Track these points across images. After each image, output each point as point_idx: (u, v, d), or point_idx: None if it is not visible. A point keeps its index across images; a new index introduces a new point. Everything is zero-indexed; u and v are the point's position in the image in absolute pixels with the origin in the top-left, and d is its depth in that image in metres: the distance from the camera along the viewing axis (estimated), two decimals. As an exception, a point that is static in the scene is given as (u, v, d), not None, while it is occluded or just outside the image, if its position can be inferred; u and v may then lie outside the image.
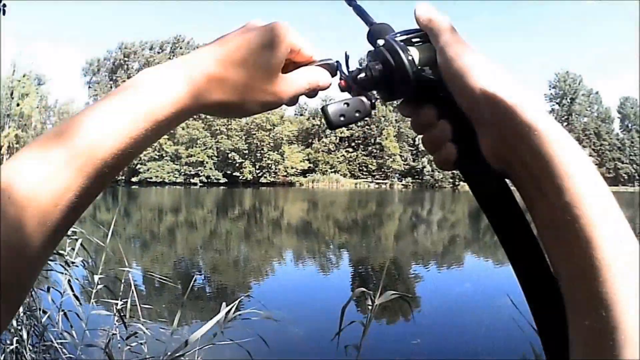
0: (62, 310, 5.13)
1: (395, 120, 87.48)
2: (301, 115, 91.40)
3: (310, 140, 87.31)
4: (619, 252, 0.58)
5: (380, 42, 0.82)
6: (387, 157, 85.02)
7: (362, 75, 0.81)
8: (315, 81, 0.83)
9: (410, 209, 51.85)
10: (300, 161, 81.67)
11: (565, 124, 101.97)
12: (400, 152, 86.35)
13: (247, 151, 75.78)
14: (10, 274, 0.58)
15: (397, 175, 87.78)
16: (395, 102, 0.85)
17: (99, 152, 0.64)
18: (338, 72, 0.84)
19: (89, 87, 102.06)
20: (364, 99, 0.81)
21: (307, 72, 0.83)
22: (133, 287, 5.33)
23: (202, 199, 53.74)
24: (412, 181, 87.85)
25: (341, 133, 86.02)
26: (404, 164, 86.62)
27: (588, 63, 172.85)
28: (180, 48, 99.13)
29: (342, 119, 0.80)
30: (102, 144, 0.64)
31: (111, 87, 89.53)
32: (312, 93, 0.84)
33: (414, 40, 0.80)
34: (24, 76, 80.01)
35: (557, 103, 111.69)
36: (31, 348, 4.99)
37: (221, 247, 24.23)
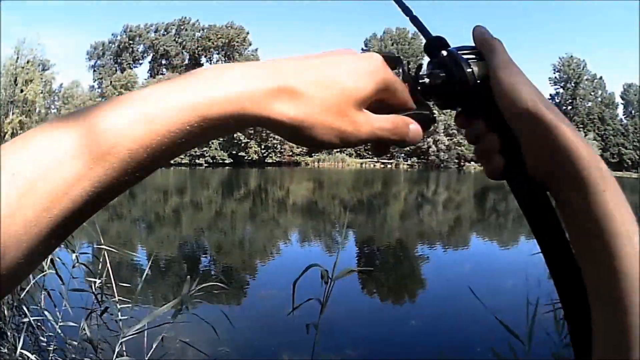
0: (45, 290, 5.15)
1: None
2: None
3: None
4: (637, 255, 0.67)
5: (444, 53, 0.84)
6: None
7: (426, 81, 0.82)
8: (404, 132, 0.73)
9: (415, 188, 51.79)
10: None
11: (569, 107, 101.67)
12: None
13: (252, 131, 75.27)
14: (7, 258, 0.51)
15: (403, 155, 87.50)
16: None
17: (125, 141, 0.55)
18: (401, 73, 0.78)
19: (94, 70, 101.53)
20: (427, 112, 0.79)
21: (397, 118, 0.72)
22: (108, 266, 5.30)
23: (208, 179, 53.63)
24: (418, 161, 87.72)
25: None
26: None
27: (592, 49, 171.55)
28: (186, 30, 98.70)
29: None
30: (129, 132, 0.55)
31: (116, 71, 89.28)
32: (396, 141, 0.73)
33: (470, 56, 0.84)
34: (27, 62, 79.47)
35: (561, 87, 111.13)
36: (14, 327, 5.05)
37: (226, 228, 24.19)
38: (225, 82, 0.60)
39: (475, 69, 0.82)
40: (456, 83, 0.81)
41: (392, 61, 0.76)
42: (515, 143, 0.79)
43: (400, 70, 0.79)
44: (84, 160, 0.53)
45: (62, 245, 5.25)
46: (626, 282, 0.66)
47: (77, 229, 0.59)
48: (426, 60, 0.89)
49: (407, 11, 0.93)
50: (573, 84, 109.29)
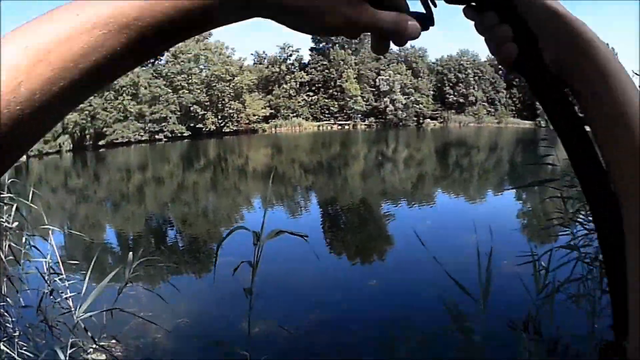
0: (7, 276, 5.03)
1: (355, 63, 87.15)
2: (260, 64, 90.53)
3: (270, 87, 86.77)
4: None
5: None
6: (348, 99, 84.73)
7: None
8: (403, 26, 0.73)
9: (375, 148, 51.93)
10: (262, 108, 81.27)
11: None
12: (362, 94, 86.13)
13: (208, 103, 75.09)
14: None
15: (360, 115, 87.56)
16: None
17: (147, 13, 0.54)
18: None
19: None
20: (426, 13, 0.79)
21: (397, 14, 0.73)
22: (53, 245, 5.21)
23: (168, 153, 53.56)
24: (375, 121, 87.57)
25: (301, 78, 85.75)
26: (365, 105, 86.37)
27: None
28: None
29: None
30: (151, 5, 0.54)
31: None
32: (396, 37, 0.73)
33: None
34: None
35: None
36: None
37: (190, 200, 24.25)
38: None
39: None
40: None
41: (422, 19, 0.76)
42: (531, 34, 0.80)
43: None
44: (99, 32, 0.53)
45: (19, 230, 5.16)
46: None
47: (82, 102, 0.60)
48: None
49: None
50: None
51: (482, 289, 4.24)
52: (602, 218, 0.74)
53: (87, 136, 64.96)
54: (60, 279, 4.98)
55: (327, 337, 8.32)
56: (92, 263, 4.97)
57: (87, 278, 4.51)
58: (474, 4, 0.85)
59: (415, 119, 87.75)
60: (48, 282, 4.91)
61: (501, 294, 4.43)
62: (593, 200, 0.76)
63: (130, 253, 4.60)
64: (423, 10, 0.79)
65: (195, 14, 0.58)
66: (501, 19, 0.82)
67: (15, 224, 5.20)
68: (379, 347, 6.88)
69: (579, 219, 5.92)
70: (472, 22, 0.87)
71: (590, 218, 6.32)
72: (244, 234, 3.59)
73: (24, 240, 5.20)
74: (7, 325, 4.96)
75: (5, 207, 5.23)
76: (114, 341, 6.88)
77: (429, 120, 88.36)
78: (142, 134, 69.71)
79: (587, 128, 0.78)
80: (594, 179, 0.76)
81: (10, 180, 5.46)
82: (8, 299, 4.98)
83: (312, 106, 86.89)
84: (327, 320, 8.91)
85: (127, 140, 66.89)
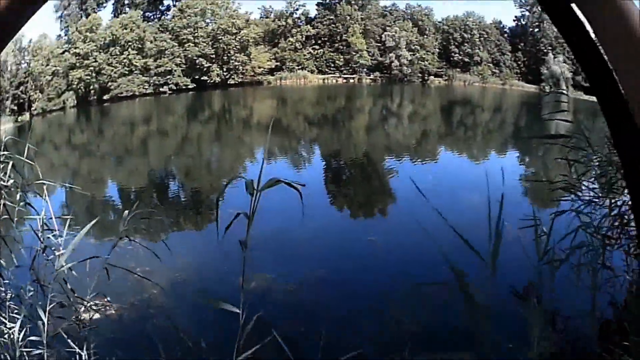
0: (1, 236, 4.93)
1: (361, 18, 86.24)
2: (267, 17, 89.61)
3: (276, 41, 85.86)
4: None
5: None
6: (353, 53, 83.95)
7: None
8: None
9: (380, 102, 51.62)
10: (267, 60, 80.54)
11: (537, 30, 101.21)
12: (367, 49, 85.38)
13: (214, 55, 74.46)
14: None
15: (365, 70, 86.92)
16: None
17: None
18: None
19: (61, 20, 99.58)
20: None
21: None
22: (47, 201, 5.11)
23: (172, 106, 53.30)
24: (381, 75, 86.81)
25: (307, 32, 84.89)
26: (371, 59, 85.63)
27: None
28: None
29: None
30: None
31: (81, 17, 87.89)
32: None
33: None
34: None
35: (527, 10, 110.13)
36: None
37: (193, 152, 24.12)
38: None
39: None
40: None
41: None
42: None
43: None
44: None
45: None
46: None
47: None
48: None
49: None
50: (539, 7, 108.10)
51: (492, 248, 4.10)
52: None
53: (92, 91, 64.37)
54: (54, 236, 4.90)
55: (322, 292, 8.33)
56: (87, 219, 4.92)
57: (81, 233, 4.40)
58: None
59: (420, 75, 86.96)
60: (41, 239, 4.83)
61: (502, 258, 4.38)
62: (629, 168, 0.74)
63: (126, 211, 4.56)
64: None
65: None
66: None
67: (11, 181, 5.09)
68: (374, 303, 6.87)
69: (584, 184, 5.88)
70: None
71: (596, 184, 6.32)
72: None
73: (17, 197, 5.07)
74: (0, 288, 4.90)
75: (1, 166, 5.11)
76: (108, 299, 6.86)
77: (433, 77, 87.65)
78: (146, 87, 69.21)
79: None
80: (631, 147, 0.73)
81: (7, 138, 5.36)
82: (1, 261, 4.90)
83: (318, 59, 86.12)
84: (324, 276, 8.93)
85: (131, 93, 66.41)
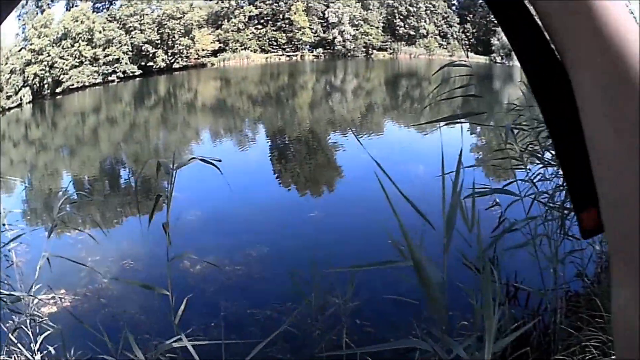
0: None
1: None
2: (211, 0, 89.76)
3: (220, 22, 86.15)
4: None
5: None
6: (296, 31, 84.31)
7: None
8: None
9: (323, 78, 51.71)
10: (211, 42, 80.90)
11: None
12: (310, 26, 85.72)
13: (159, 41, 74.54)
14: None
15: (308, 47, 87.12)
16: None
17: None
18: None
19: (19, 19, 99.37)
20: None
21: None
22: None
23: (120, 93, 53.51)
24: (324, 52, 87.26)
25: (250, 12, 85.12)
26: (314, 36, 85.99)
27: None
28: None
29: None
30: None
31: (37, 14, 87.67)
32: None
33: None
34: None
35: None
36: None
37: (141, 138, 24.18)
38: None
39: None
40: None
41: None
42: None
43: None
44: None
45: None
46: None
47: None
48: None
49: None
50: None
51: (446, 219, 3.98)
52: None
53: (46, 85, 63.95)
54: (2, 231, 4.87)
55: (257, 270, 8.24)
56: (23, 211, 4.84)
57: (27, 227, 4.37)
58: None
59: (364, 49, 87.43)
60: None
61: (454, 231, 4.19)
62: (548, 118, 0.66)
63: (59, 200, 4.47)
64: None
65: None
66: None
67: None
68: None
69: (536, 155, 5.73)
70: None
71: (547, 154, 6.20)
72: (203, 168, 3.43)
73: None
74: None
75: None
76: (63, 290, 6.80)
77: (377, 51, 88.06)
78: (96, 76, 68.99)
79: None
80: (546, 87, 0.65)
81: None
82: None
83: (260, 39, 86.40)
84: (262, 254, 8.82)
85: (82, 84, 66.10)
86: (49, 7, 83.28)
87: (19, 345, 4.60)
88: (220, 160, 3.49)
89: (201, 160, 3.39)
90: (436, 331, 2.97)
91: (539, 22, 0.65)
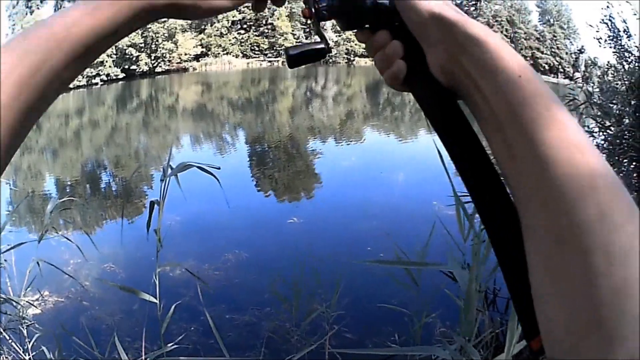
0: None
1: (288, 1, 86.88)
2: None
3: (203, 27, 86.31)
4: (564, 137, 0.58)
5: None
6: (278, 36, 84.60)
7: (324, 4, 0.88)
8: None
9: (304, 84, 51.82)
10: (194, 47, 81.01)
11: (473, 8, 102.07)
12: (293, 31, 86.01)
13: (143, 45, 74.52)
14: None
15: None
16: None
17: (75, 30, 0.71)
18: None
19: (9, 19, 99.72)
20: (321, 43, 0.93)
21: None
22: None
23: (103, 96, 53.12)
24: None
25: (233, 17, 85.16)
26: (296, 42, 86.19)
27: None
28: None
29: (300, 58, 0.91)
30: (78, 24, 0.72)
31: (26, 14, 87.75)
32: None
33: None
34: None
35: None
36: None
37: (122, 142, 24.24)
38: None
39: None
40: (352, 2, 0.86)
41: None
42: (418, 48, 0.76)
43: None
44: (45, 48, 0.68)
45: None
46: (554, 161, 0.57)
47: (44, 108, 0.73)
48: None
49: None
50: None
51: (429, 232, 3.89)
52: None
53: (31, 87, 63.96)
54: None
55: (236, 277, 8.35)
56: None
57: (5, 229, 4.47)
58: (367, 26, 0.88)
59: (345, 56, 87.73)
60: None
61: (433, 237, 4.27)
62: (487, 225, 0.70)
63: (49, 205, 4.60)
64: None
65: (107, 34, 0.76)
66: (393, 36, 0.81)
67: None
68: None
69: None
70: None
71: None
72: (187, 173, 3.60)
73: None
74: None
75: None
76: (47, 293, 6.96)
77: (359, 58, 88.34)
78: (79, 79, 68.74)
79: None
80: (488, 204, 0.70)
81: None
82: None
83: (243, 44, 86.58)
84: (241, 261, 8.94)
85: (66, 87, 65.93)
86: (38, 8, 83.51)
87: (10, 345, 4.71)
88: (219, 168, 3.64)
89: (199, 168, 3.53)
90: (457, 340, 3.02)
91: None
